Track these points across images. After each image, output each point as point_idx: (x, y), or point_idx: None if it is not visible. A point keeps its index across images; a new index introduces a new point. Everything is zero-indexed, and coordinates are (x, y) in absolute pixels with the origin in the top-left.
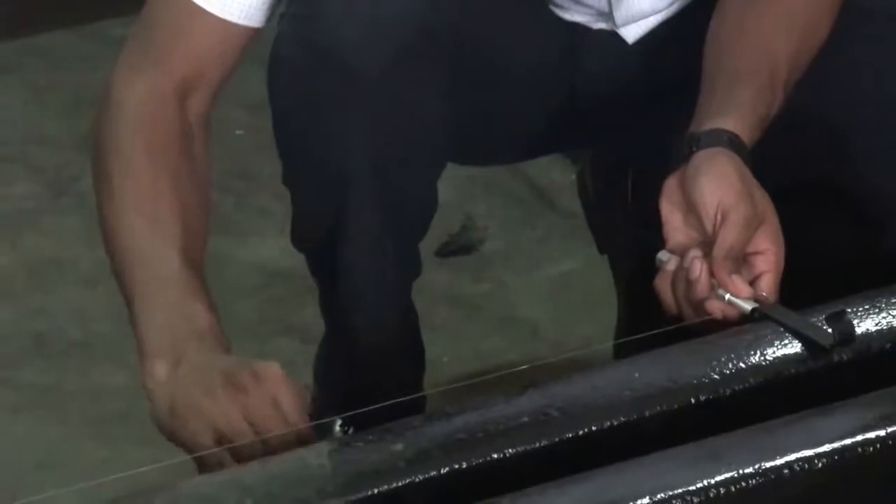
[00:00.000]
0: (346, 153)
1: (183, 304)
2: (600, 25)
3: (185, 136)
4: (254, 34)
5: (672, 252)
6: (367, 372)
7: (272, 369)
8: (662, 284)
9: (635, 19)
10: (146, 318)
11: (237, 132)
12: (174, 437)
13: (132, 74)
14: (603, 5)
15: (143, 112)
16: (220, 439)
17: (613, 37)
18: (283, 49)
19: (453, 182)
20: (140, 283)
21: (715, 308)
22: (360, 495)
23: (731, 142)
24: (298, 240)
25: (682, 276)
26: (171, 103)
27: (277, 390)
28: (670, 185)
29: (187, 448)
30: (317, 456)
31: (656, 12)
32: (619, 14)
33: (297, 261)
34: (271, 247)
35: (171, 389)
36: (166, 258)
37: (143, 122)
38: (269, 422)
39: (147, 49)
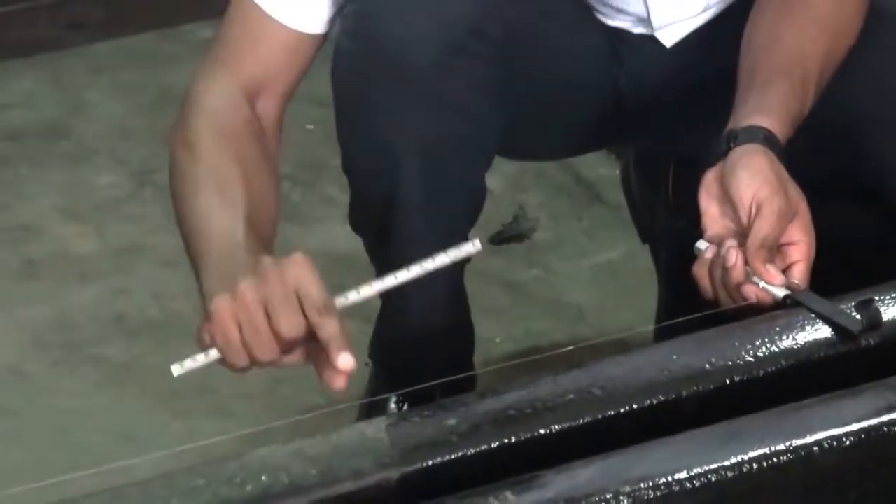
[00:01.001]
0: (396, 143)
1: (247, 258)
2: (640, 30)
3: (252, 127)
4: (320, 41)
5: (710, 241)
6: (419, 350)
7: (295, 257)
8: (700, 271)
9: (670, 24)
10: (211, 271)
11: (308, 127)
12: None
13: (208, 75)
14: (641, 12)
15: (212, 104)
16: (244, 342)
17: (653, 41)
18: (343, 42)
19: (507, 175)
20: (207, 251)
21: (750, 294)
22: (415, 467)
23: (767, 139)
24: (355, 223)
25: (719, 264)
26: (239, 99)
27: (297, 278)
28: (709, 179)
29: (218, 346)
30: (375, 430)
31: (689, 17)
32: (656, 20)
33: (360, 247)
34: (337, 233)
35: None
36: (233, 228)
37: (211, 112)
38: (282, 315)
39: (222, 53)
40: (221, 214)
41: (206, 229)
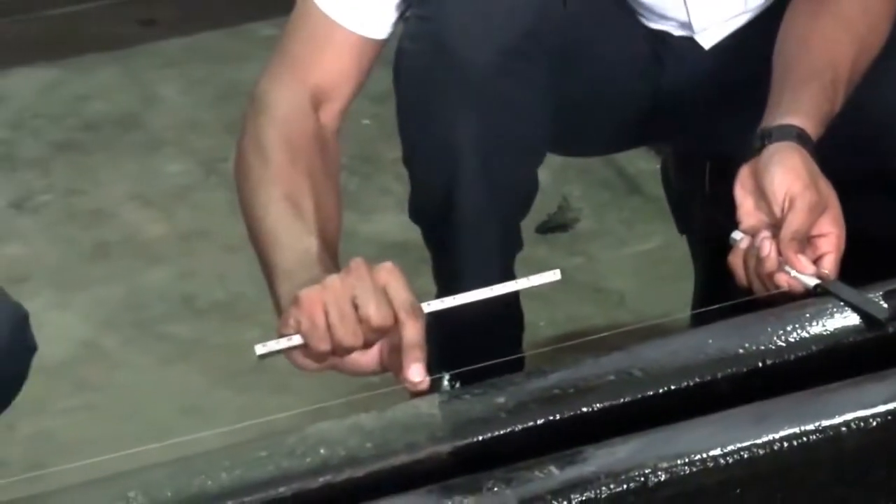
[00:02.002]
0: (456, 139)
1: (322, 276)
2: (681, 33)
3: (319, 139)
4: (381, 47)
5: (744, 233)
6: (472, 332)
7: (386, 264)
8: (735, 261)
9: (709, 28)
10: (288, 287)
11: (364, 121)
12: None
13: (274, 82)
14: (682, 17)
15: (282, 114)
16: (330, 325)
17: (692, 43)
18: (406, 45)
19: (552, 168)
20: (283, 262)
21: (782, 282)
22: (466, 441)
23: (800, 136)
24: (415, 214)
25: (753, 254)
26: (307, 108)
27: (387, 279)
28: (744, 174)
29: (303, 330)
30: (429, 406)
31: (727, 20)
32: (696, 24)
33: (413, 234)
34: (391, 222)
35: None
36: (306, 243)
37: (281, 122)
38: (373, 303)
39: (288, 60)
40: (295, 228)
41: (279, 242)
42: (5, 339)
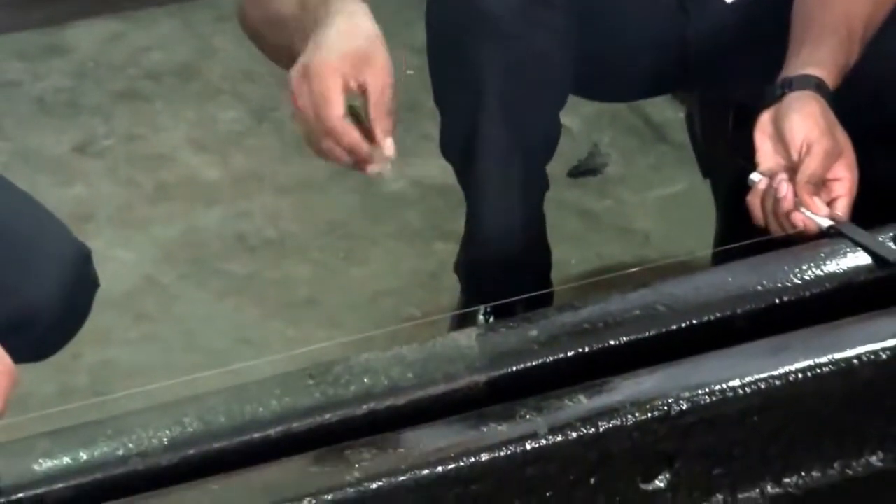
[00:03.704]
0: (480, 80)
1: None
2: None
3: None
4: None
5: (763, 174)
6: (502, 269)
7: (317, 70)
8: (754, 200)
9: None
10: (304, 24)
11: (408, 72)
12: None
13: None
14: None
15: None
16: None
17: None
18: None
19: (583, 116)
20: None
21: (797, 221)
22: (501, 372)
23: (818, 86)
24: (444, 149)
25: (771, 195)
26: None
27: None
28: (764, 120)
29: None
30: (467, 339)
31: None
32: None
33: (452, 178)
34: (432, 166)
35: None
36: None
37: None
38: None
39: None
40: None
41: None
42: (70, 275)
